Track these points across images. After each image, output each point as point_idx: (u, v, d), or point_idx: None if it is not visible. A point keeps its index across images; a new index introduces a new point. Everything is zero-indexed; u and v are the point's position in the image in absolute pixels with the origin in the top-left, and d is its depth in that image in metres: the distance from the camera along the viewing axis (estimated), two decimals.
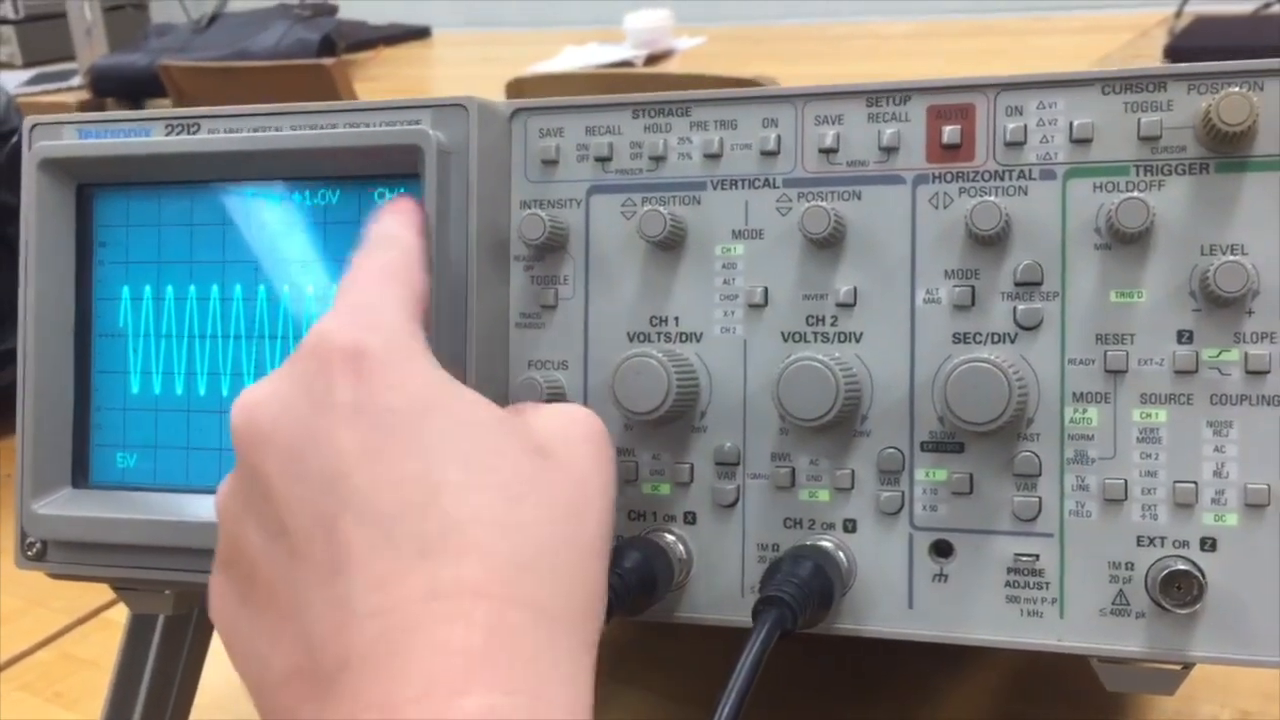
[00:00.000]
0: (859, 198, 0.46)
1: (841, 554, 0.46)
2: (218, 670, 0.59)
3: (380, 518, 0.33)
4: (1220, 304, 0.43)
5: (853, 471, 0.46)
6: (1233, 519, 0.43)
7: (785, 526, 0.47)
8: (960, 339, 0.45)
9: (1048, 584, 0.44)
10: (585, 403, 0.49)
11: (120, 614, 0.58)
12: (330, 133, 0.50)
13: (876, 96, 0.47)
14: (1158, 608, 0.43)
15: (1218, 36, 1.79)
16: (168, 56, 2.38)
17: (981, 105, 0.45)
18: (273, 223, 0.52)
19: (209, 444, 0.52)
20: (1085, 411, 0.44)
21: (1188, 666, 0.44)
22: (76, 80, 2.83)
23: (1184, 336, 0.43)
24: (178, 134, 0.53)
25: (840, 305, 0.46)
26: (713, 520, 0.48)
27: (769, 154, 0.47)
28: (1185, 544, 0.43)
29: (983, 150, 0.45)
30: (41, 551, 0.53)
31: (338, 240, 0.51)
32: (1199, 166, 0.43)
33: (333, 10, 2.88)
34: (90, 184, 0.54)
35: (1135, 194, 0.43)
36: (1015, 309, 0.45)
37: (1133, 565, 0.43)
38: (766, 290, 0.47)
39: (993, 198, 0.45)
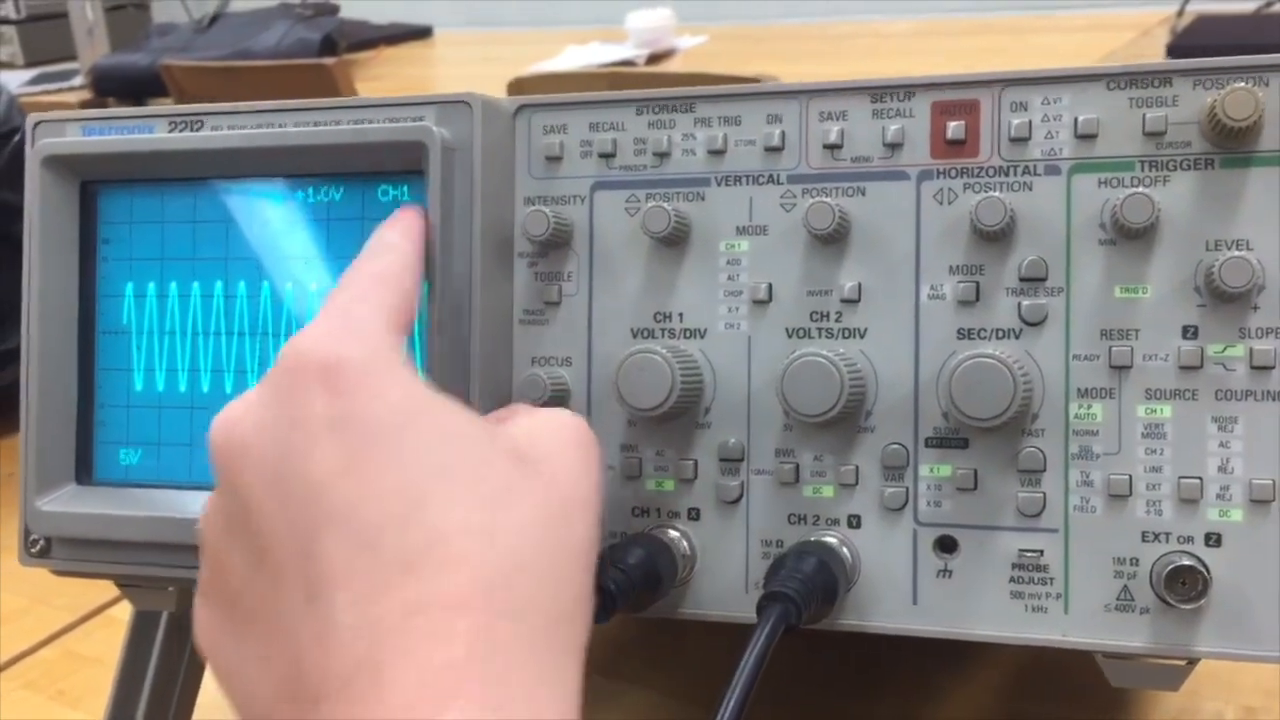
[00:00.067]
0: (863, 194, 0.46)
1: (845, 550, 0.46)
2: None
3: (361, 532, 0.33)
4: (1225, 299, 0.43)
5: (857, 467, 0.46)
6: (1237, 514, 0.43)
7: (789, 522, 0.47)
8: (965, 335, 0.45)
9: (1052, 579, 0.44)
10: (589, 399, 0.49)
11: (123, 611, 0.58)
12: (334, 129, 0.50)
13: (881, 92, 0.47)
14: (1162, 603, 0.43)
15: (1220, 35, 1.79)
16: (169, 56, 2.38)
17: (986, 101, 0.45)
18: (276, 220, 0.52)
19: None
20: (1090, 407, 0.44)
21: (1192, 662, 0.44)
22: (78, 80, 2.83)
23: (1189, 332, 0.43)
24: (181, 131, 0.53)
25: (845, 301, 0.46)
26: (717, 516, 0.48)
27: (773, 150, 0.47)
28: (1190, 539, 0.43)
29: (987, 146, 0.45)
30: (45, 548, 0.53)
31: (341, 237, 0.51)
32: (1204, 162, 0.43)
33: (334, 10, 2.88)
34: (94, 181, 0.54)
35: (1140, 189, 0.43)
36: (1020, 304, 0.45)
37: (1137, 561, 0.43)
38: (771, 286, 0.47)
39: (997, 193, 0.44)
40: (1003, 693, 0.59)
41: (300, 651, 0.32)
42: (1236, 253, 0.42)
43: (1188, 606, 0.42)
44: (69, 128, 0.54)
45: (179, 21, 2.94)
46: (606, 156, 0.49)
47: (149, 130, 0.53)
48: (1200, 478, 0.43)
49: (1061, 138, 0.45)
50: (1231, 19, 1.94)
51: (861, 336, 0.46)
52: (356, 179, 0.51)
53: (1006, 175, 0.45)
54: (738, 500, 0.47)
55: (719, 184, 0.48)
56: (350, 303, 0.39)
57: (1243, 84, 0.42)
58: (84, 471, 0.54)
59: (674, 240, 0.48)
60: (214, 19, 2.75)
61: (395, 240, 0.43)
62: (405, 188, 0.50)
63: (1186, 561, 0.42)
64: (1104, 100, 0.44)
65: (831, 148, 0.47)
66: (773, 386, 0.45)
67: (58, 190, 0.53)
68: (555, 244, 0.49)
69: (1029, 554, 0.44)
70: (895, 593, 0.46)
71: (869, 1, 2.94)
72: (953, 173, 0.46)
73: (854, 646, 0.50)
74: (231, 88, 2.10)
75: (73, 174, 0.53)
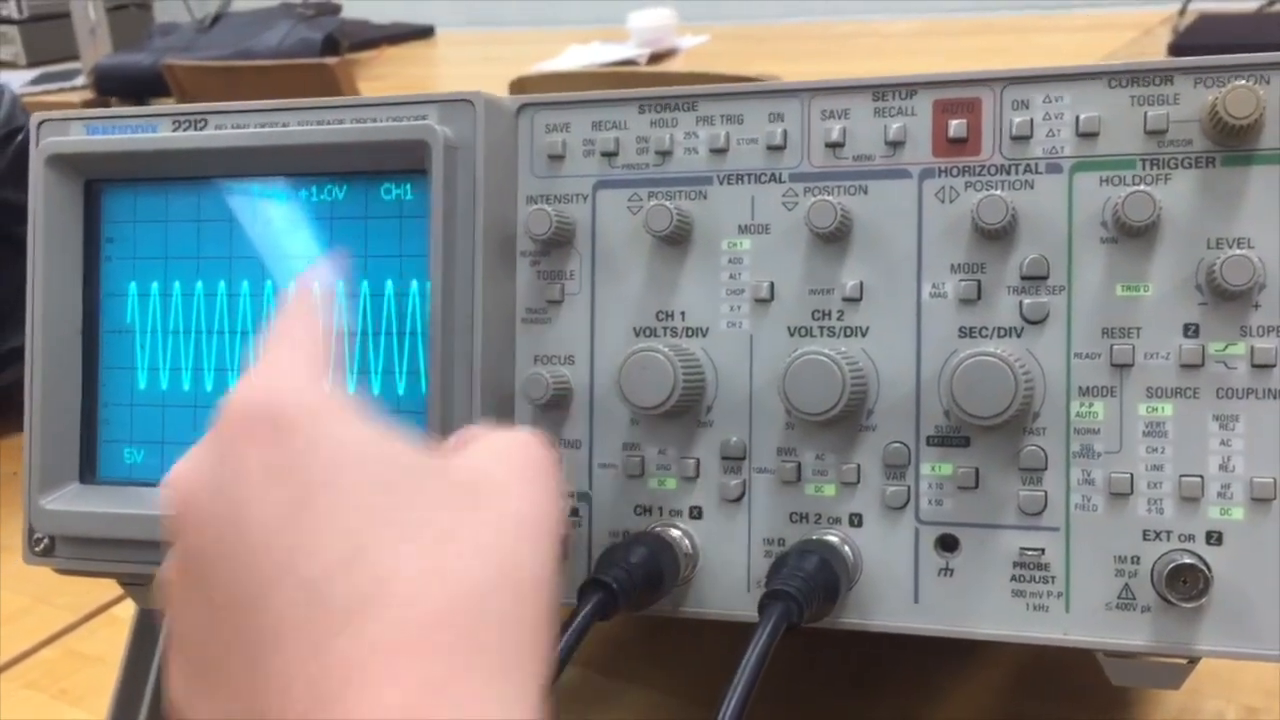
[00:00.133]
0: (865, 192, 0.47)
1: (847, 548, 0.46)
2: None
3: (308, 583, 0.33)
4: (1226, 297, 0.43)
5: (858, 466, 0.46)
6: (1238, 513, 0.43)
7: (791, 521, 0.47)
8: (966, 333, 0.45)
9: (1053, 578, 0.44)
10: (591, 398, 0.49)
11: (126, 610, 0.59)
12: (337, 128, 0.50)
13: (883, 91, 0.47)
14: (1163, 602, 0.43)
15: (1221, 34, 1.79)
16: (172, 56, 2.38)
17: (988, 99, 0.45)
18: (279, 218, 0.52)
19: None
20: (1091, 405, 0.44)
21: (1193, 661, 0.44)
22: (80, 80, 2.83)
23: (1190, 330, 0.43)
24: (185, 130, 0.53)
25: (846, 300, 0.46)
26: (719, 515, 0.48)
27: (775, 148, 0.47)
28: (1191, 538, 0.43)
29: (989, 144, 0.45)
30: (49, 547, 0.53)
31: (344, 236, 0.51)
32: (1205, 160, 0.43)
33: (336, 10, 2.88)
34: (98, 180, 0.54)
35: (1141, 187, 0.43)
36: (1021, 303, 0.45)
37: (1138, 559, 0.43)
38: (773, 285, 0.47)
39: (999, 192, 0.45)
40: (1004, 692, 0.59)
41: (265, 706, 0.33)
42: (1238, 251, 0.42)
43: (1189, 605, 0.42)
44: (73, 127, 0.54)
45: (181, 21, 2.94)
46: (609, 155, 0.49)
47: (153, 129, 0.53)
48: (1201, 476, 0.43)
49: (1063, 136, 0.45)
50: (1233, 18, 1.94)
51: (863, 335, 0.46)
52: (359, 178, 0.51)
53: (1008, 173, 0.45)
54: (740, 499, 0.48)
55: (721, 182, 0.48)
56: (274, 353, 0.39)
57: (1244, 82, 0.42)
58: (88, 470, 0.54)
59: (676, 239, 0.48)
60: (216, 19, 2.75)
61: (304, 284, 0.44)
62: (408, 186, 0.50)
63: (1187, 560, 0.42)
64: (1105, 98, 0.44)
65: (833, 146, 0.47)
66: (775, 385, 0.45)
67: (62, 189, 0.53)
68: (557, 243, 0.49)
69: (1030, 552, 0.45)
70: (896, 591, 0.46)
71: (871, 1, 2.94)
72: (954, 171, 0.46)
73: (855, 645, 0.50)
74: (233, 87, 2.10)
75: (77, 173, 0.54)
